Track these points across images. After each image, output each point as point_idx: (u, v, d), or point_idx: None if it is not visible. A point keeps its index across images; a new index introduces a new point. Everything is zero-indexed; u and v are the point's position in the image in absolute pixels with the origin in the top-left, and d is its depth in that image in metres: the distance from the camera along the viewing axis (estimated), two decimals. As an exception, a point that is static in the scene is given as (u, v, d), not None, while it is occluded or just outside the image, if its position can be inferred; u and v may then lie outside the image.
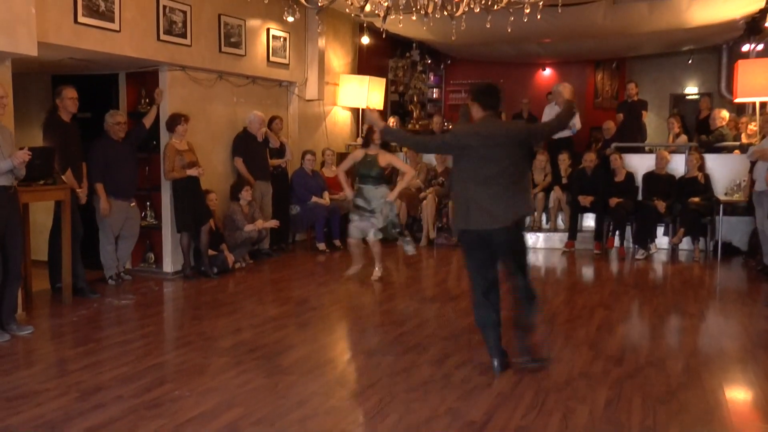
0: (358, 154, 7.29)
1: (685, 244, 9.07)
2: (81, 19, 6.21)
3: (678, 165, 9.35)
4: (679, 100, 14.61)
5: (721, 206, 8.76)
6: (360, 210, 7.21)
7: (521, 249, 4.59)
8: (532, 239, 9.78)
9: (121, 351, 4.96)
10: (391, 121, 11.74)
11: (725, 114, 9.86)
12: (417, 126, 12.84)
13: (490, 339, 4.50)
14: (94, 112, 7.37)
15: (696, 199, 8.77)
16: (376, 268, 7.53)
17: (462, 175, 4.50)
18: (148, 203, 7.76)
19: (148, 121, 7.30)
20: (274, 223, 8.44)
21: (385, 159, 7.22)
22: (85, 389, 4.16)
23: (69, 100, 6.43)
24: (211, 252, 7.66)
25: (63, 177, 6.28)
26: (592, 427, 3.64)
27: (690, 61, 13.71)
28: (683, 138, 10.13)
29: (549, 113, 10.51)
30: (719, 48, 12.89)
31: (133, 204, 7.26)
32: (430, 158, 10.36)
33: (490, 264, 4.50)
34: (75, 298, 6.43)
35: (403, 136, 5.91)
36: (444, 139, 4.87)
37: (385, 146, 7.35)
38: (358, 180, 7.29)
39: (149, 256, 7.84)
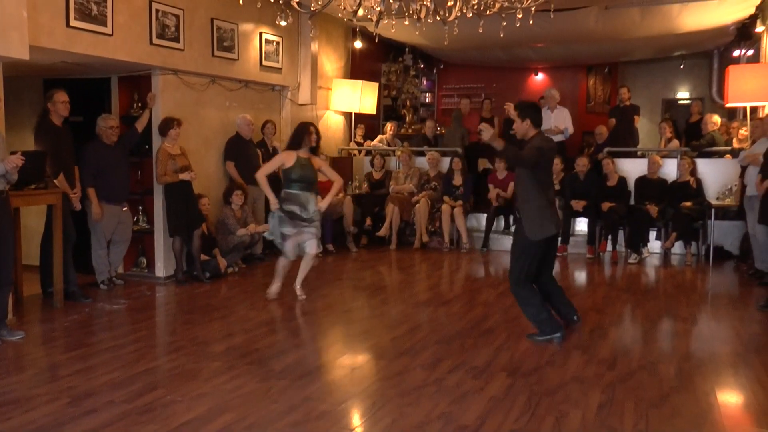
0: (289, 156, 6.53)
1: (678, 248, 9.10)
2: (73, 22, 6.19)
3: (670, 169, 9.39)
4: (671, 104, 14.68)
5: (713, 210, 8.80)
6: (295, 220, 6.45)
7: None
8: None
9: (113, 356, 4.94)
10: (389, 126, 11.76)
11: (717, 119, 9.91)
12: (410, 130, 12.87)
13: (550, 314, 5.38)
14: (86, 116, 7.35)
15: (688, 204, 8.81)
16: (298, 286, 6.76)
17: (542, 184, 5.21)
18: (140, 207, 7.73)
19: (140, 125, 7.28)
20: (266, 228, 8.40)
21: (317, 163, 6.69)
22: (77, 394, 4.14)
23: (60, 104, 6.40)
24: (203, 257, 7.64)
25: (55, 181, 6.25)
26: (584, 431, 3.64)
27: (682, 66, 13.79)
28: (675, 143, 10.17)
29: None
30: (710, 53, 12.97)
31: (126, 208, 7.23)
32: (423, 162, 10.37)
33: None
34: (67, 302, 6.40)
35: (519, 154, 5.15)
36: (541, 152, 5.16)
37: (313, 150, 6.68)
38: (289, 185, 6.51)
39: (141, 260, 7.82)
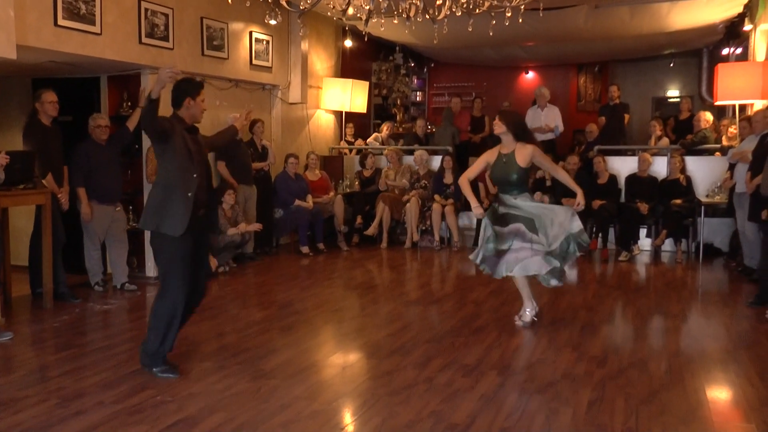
0: (491, 154, 5.71)
1: (668, 245, 9.14)
2: (61, 21, 6.15)
3: (660, 167, 9.42)
4: (660, 103, 14.73)
5: (703, 208, 8.83)
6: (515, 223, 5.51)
7: None
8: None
9: (103, 356, 4.92)
10: (386, 126, 11.76)
11: (709, 116, 9.93)
12: (400, 129, 12.87)
13: None
14: (75, 116, 7.31)
15: (678, 201, 8.84)
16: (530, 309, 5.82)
17: None
18: (130, 207, 7.69)
19: (131, 124, 7.23)
20: (257, 227, 8.41)
21: (524, 154, 5.56)
22: (66, 395, 4.12)
23: (49, 104, 6.37)
24: (194, 256, 7.60)
25: (44, 181, 6.22)
26: (575, 428, 3.65)
27: (671, 65, 13.83)
28: (665, 140, 10.21)
29: (532, 116, 10.58)
30: (700, 52, 13.02)
31: (119, 208, 7.18)
32: (412, 160, 10.36)
33: None
34: (56, 303, 6.36)
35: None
36: None
37: (522, 136, 5.62)
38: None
39: (132, 260, 7.78)
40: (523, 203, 5.61)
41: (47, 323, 5.88)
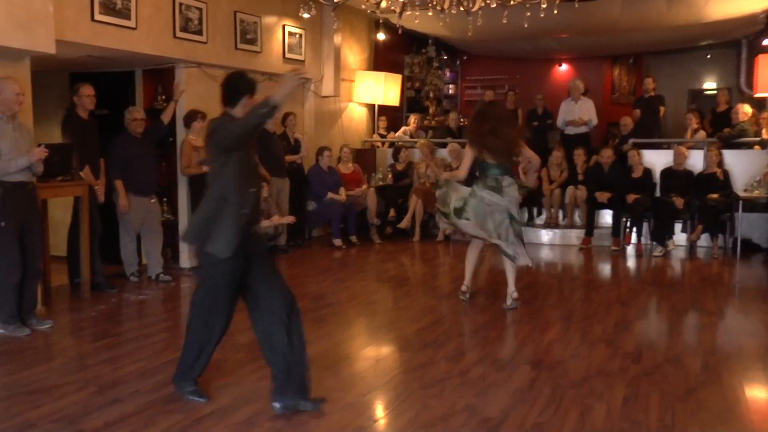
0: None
1: (704, 240, 8.99)
2: (98, 16, 6.25)
3: (696, 161, 9.27)
4: (696, 95, 14.47)
5: (741, 203, 8.67)
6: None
7: None
8: (549, 236, 9.75)
9: (139, 346, 5.00)
10: (413, 119, 11.74)
11: (748, 109, 9.73)
12: (433, 122, 12.83)
13: None
14: (111, 109, 7.41)
15: (715, 196, 8.69)
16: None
17: None
18: (165, 199, 7.79)
19: (166, 118, 7.32)
20: (290, 219, 8.45)
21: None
22: (104, 384, 4.19)
23: (86, 97, 6.47)
24: (227, 248, 7.67)
25: (81, 173, 6.32)
26: (609, 424, 3.62)
27: (708, 56, 13.57)
28: (702, 134, 10.03)
29: (565, 109, 10.48)
30: (739, 42, 12.73)
31: (154, 200, 7.28)
32: (445, 153, 10.33)
33: None
34: (93, 293, 6.48)
35: None
36: None
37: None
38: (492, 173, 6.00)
39: (166, 251, 7.87)
40: (499, 195, 5.87)
41: (85, 312, 5.99)
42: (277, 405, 3.75)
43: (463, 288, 6.31)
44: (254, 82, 3.93)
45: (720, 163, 9.03)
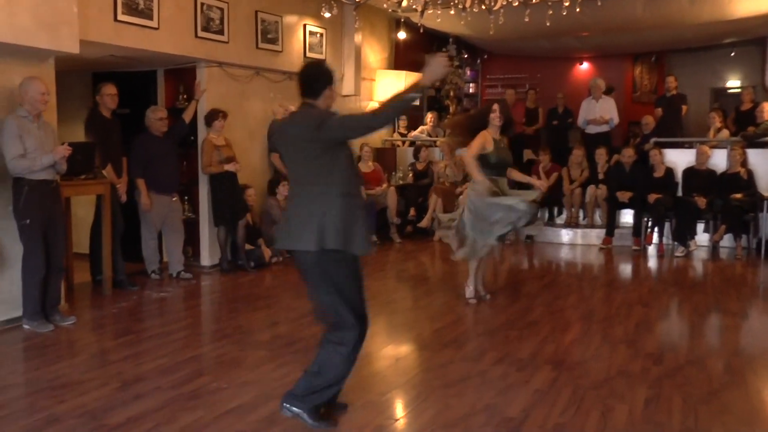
0: (488, 137, 5.90)
1: (727, 241, 8.89)
2: (120, 17, 6.31)
3: (719, 160, 9.16)
4: (719, 93, 14.31)
5: (765, 203, 8.56)
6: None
7: None
8: (569, 235, 9.70)
9: (160, 343, 5.04)
10: (430, 117, 11.73)
11: (774, 108, 9.61)
12: (453, 121, 12.77)
13: None
14: (133, 109, 7.47)
15: (738, 196, 8.59)
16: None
17: None
18: (186, 197, 7.84)
19: (187, 117, 7.38)
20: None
21: (506, 144, 6.17)
22: (126, 380, 4.23)
23: (108, 96, 6.53)
24: (248, 246, 7.73)
25: (104, 172, 6.39)
26: (631, 426, 3.59)
27: (732, 54, 13.41)
28: (725, 133, 9.92)
29: (587, 108, 10.42)
30: (763, 40, 12.57)
31: (175, 198, 7.33)
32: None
33: None
34: (115, 290, 6.54)
35: None
36: None
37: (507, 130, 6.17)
38: (488, 173, 5.86)
39: (187, 249, 7.93)
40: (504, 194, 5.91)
41: (107, 309, 6.05)
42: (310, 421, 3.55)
43: (468, 294, 6.20)
44: (333, 71, 3.67)
45: (744, 163, 8.92)
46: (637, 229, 9.11)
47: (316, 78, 3.58)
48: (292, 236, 3.50)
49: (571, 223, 9.86)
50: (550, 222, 10.00)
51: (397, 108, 3.39)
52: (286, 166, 3.68)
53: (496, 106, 5.99)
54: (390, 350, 5.04)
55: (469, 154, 5.84)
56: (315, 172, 3.44)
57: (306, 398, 3.53)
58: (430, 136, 11.39)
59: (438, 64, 3.33)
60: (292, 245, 3.54)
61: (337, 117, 3.46)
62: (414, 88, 3.30)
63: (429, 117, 11.74)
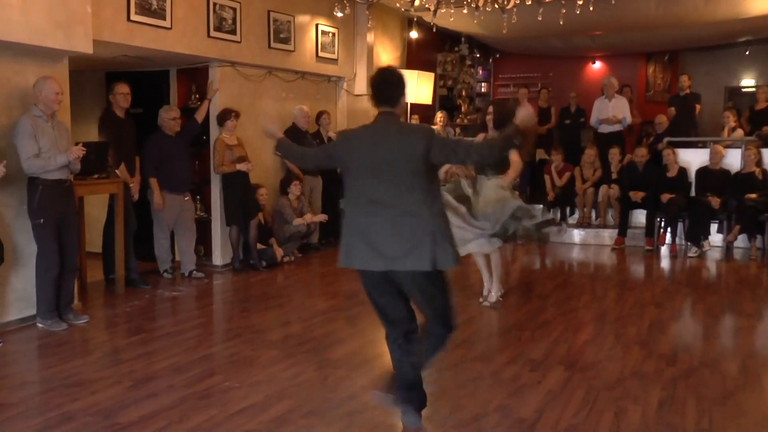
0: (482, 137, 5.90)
1: (741, 241, 8.82)
2: (134, 17, 6.33)
3: (734, 160, 9.09)
4: (734, 92, 14.20)
5: (781, 203, 8.49)
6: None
7: None
8: (581, 235, 9.65)
9: (172, 341, 5.06)
10: (440, 116, 11.69)
11: (790, 107, 9.53)
12: (465, 120, 12.77)
13: None
14: (146, 108, 7.50)
15: (753, 196, 8.52)
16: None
17: None
18: (198, 197, 7.87)
19: (200, 116, 7.40)
20: (322, 218, 8.49)
21: None
22: (138, 378, 4.25)
23: (120, 95, 6.55)
24: (260, 246, 7.74)
25: (117, 171, 6.42)
26: (645, 427, 3.57)
27: (747, 53, 13.30)
28: (739, 132, 9.84)
29: (599, 107, 10.36)
30: (780, 38, 12.47)
31: (187, 198, 7.35)
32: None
33: None
34: (127, 289, 6.57)
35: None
36: None
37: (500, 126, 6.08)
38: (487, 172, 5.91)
39: (199, 248, 7.95)
40: (487, 190, 5.81)
41: (119, 308, 6.08)
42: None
43: (485, 293, 6.20)
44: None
45: (759, 162, 8.84)
46: (649, 229, 9.06)
47: (395, 84, 3.44)
48: (400, 257, 3.33)
49: (584, 223, 9.81)
50: (563, 221, 9.96)
51: (505, 148, 3.50)
52: (364, 180, 3.43)
53: (490, 108, 6.10)
54: (402, 350, 5.03)
55: None
56: (417, 189, 3.31)
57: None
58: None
59: (528, 115, 3.36)
60: (401, 266, 3.35)
61: (463, 143, 3.42)
62: (517, 133, 3.30)
63: (439, 116, 11.71)
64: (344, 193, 3.61)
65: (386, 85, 3.42)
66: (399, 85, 3.42)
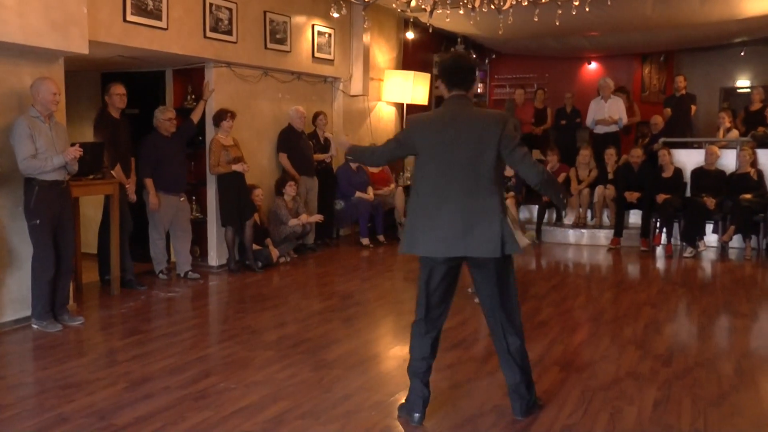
0: None
1: (736, 242, 8.85)
2: (130, 17, 6.31)
3: (729, 161, 9.12)
4: (729, 93, 14.24)
5: (775, 203, 8.52)
6: None
7: None
8: (577, 236, 9.67)
9: (168, 343, 5.05)
10: None
11: (785, 108, 9.55)
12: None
13: None
14: (141, 109, 7.49)
15: (748, 196, 8.54)
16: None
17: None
18: (193, 197, 7.86)
19: (196, 117, 7.39)
20: (318, 218, 8.49)
21: None
22: (134, 379, 4.24)
23: (116, 96, 6.54)
24: (256, 246, 7.74)
25: (112, 172, 6.40)
26: (640, 428, 3.58)
27: (742, 53, 13.34)
28: (734, 133, 9.87)
29: (595, 108, 10.38)
30: (774, 39, 12.51)
31: (183, 198, 7.34)
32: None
33: None
34: (123, 290, 6.56)
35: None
36: None
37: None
38: None
39: (195, 249, 7.94)
40: None
41: (115, 309, 6.07)
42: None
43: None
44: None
45: (754, 163, 8.88)
46: (645, 229, 9.08)
47: (468, 69, 3.47)
48: (472, 243, 3.41)
49: (579, 224, 9.83)
50: (558, 222, 9.97)
51: (553, 191, 3.82)
52: (436, 163, 3.45)
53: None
54: (398, 351, 5.03)
55: None
56: (487, 174, 3.38)
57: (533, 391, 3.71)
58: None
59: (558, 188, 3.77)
60: (472, 251, 3.44)
61: (522, 149, 3.46)
62: (565, 195, 3.67)
63: None
64: (412, 179, 3.61)
65: (460, 69, 3.45)
66: (472, 69, 3.47)
